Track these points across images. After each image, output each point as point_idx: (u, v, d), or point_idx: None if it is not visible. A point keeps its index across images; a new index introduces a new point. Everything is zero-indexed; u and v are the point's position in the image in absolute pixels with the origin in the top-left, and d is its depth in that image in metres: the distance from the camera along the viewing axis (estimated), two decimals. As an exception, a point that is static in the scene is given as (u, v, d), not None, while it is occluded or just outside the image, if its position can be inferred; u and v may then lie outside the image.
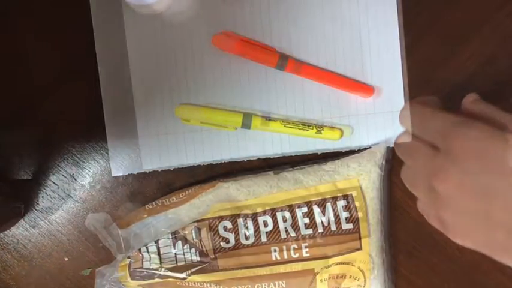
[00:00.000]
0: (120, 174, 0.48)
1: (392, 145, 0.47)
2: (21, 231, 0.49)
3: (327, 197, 0.46)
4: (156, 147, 0.48)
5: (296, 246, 0.46)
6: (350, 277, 0.46)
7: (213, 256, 0.46)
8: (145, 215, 0.47)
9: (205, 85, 0.47)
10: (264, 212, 0.47)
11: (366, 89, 0.47)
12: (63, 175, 0.49)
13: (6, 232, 0.49)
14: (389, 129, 0.48)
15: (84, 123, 0.48)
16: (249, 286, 0.46)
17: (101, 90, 0.47)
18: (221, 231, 0.46)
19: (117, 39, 0.47)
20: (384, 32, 0.47)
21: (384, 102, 0.48)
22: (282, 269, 0.46)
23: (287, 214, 0.47)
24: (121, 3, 0.47)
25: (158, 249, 0.46)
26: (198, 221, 0.46)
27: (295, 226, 0.46)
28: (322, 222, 0.46)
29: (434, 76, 0.48)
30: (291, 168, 0.47)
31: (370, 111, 0.48)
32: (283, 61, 0.46)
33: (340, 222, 0.46)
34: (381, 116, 0.48)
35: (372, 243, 0.46)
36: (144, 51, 0.47)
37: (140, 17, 0.47)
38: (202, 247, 0.46)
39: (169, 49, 0.47)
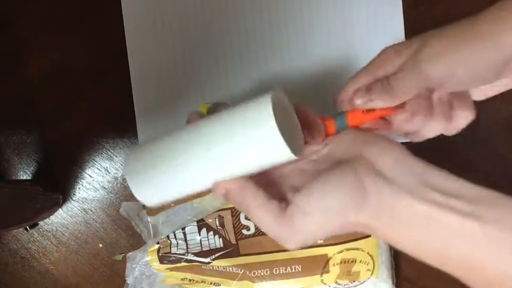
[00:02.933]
0: None
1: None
2: (59, 219, 0.53)
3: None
4: None
5: (311, 234, 0.49)
6: (360, 262, 0.49)
7: (234, 242, 0.49)
8: (173, 204, 0.51)
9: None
10: (282, 202, 0.50)
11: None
12: (97, 168, 0.53)
13: (45, 220, 0.53)
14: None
15: (118, 120, 0.51)
16: (268, 270, 0.49)
17: (132, 88, 0.51)
18: (242, 220, 0.50)
19: (148, 39, 0.51)
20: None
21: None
22: (298, 254, 0.49)
23: (302, 204, 0.50)
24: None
25: (185, 235, 0.49)
26: (221, 210, 0.50)
27: (310, 215, 0.50)
28: (334, 212, 0.49)
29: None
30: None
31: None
32: None
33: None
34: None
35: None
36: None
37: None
38: (225, 234, 0.50)
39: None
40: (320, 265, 0.49)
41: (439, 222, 0.29)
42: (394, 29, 0.50)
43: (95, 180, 0.53)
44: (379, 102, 0.34)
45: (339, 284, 0.50)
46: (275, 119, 0.30)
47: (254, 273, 0.49)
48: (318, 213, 0.31)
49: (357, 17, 0.50)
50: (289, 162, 0.34)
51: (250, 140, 0.31)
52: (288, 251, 0.49)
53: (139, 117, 0.51)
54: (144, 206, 0.50)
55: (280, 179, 0.36)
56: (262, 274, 0.49)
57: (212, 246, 0.49)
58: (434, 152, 0.52)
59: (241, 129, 0.32)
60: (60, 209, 0.53)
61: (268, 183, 0.35)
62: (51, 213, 0.52)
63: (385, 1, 0.50)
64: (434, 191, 0.30)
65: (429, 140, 0.51)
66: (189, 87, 0.51)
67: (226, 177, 0.33)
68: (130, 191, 0.52)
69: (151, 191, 0.34)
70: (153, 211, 0.50)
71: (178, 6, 0.50)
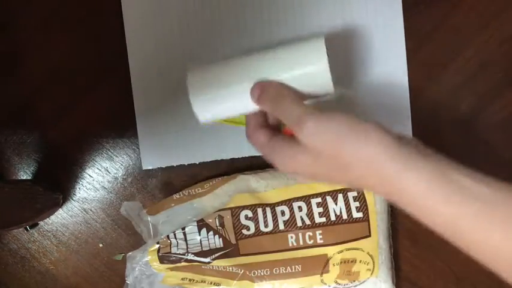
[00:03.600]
0: (150, 168, 0.52)
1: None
2: (59, 219, 0.53)
3: (338, 188, 0.50)
4: (180, 144, 0.51)
5: (311, 234, 0.49)
6: (360, 261, 0.49)
7: (234, 242, 0.49)
8: (173, 204, 0.51)
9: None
10: (282, 203, 0.50)
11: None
12: (97, 168, 0.53)
13: (46, 220, 0.53)
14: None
15: (118, 120, 0.52)
16: (268, 270, 0.49)
17: (132, 88, 0.51)
18: (242, 220, 0.50)
19: (148, 38, 0.51)
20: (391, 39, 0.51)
21: (388, 103, 0.51)
22: (298, 254, 0.49)
23: (303, 204, 0.50)
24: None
25: (185, 235, 0.50)
26: (221, 210, 0.50)
27: (310, 215, 0.50)
28: (334, 212, 0.50)
29: (436, 77, 0.51)
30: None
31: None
32: None
33: (351, 212, 0.50)
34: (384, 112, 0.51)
35: (379, 230, 0.50)
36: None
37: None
38: (225, 234, 0.50)
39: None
40: (320, 265, 0.49)
41: (459, 183, 0.30)
42: (394, 28, 0.50)
43: (95, 180, 0.53)
44: None
45: (339, 284, 0.50)
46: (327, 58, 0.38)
47: (254, 273, 0.49)
48: (340, 115, 0.34)
49: (357, 15, 0.50)
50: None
51: (304, 72, 0.39)
52: (288, 251, 0.49)
53: (139, 117, 0.51)
54: (144, 206, 0.51)
55: None
56: (262, 274, 0.49)
57: (212, 246, 0.50)
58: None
59: (298, 63, 0.39)
60: (60, 209, 0.53)
61: None
62: (52, 213, 0.53)
63: (385, 1, 0.50)
64: (449, 161, 0.33)
65: (428, 140, 0.51)
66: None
67: None
68: (130, 191, 0.52)
69: (210, 108, 0.41)
70: (154, 210, 0.51)
71: (179, 6, 0.50)
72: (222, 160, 0.52)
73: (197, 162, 0.52)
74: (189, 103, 0.40)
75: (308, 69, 0.39)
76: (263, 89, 0.39)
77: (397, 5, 0.50)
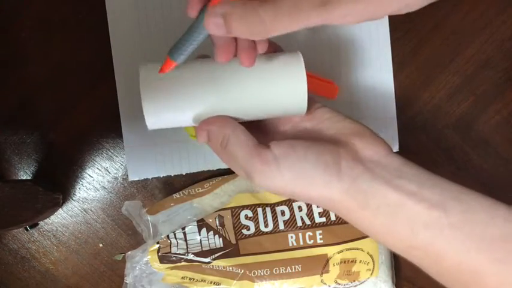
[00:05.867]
0: (137, 179, 0.52)
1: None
2: (59, 219, 0.53)
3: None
4: (168, 154, 0.52)
5: (311, 234, 0.50)
6: (360, 261, 0.50)
7: (234, 242, 0.49)
8: (172, 204, 0.51)
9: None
10: (282, 202, 0.50)
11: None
12: (97, 168, 0.53)
13: (46, 220, 0.53)
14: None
15: (118, 120, 0.51)
16: (268, 270, 0.49)
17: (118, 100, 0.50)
18: (242, 220, 0.50)
19: (132, 41, 0.50)
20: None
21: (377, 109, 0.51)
22: (298, 254, 0.49)
23: (303, 204, 0.50)
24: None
25: (185, 235, 0.50)
26: (221, 209, 0.50)
27: (310, 215, 0.50)
28: (334, 212, 0.50)
29: (436, 77, 0.52)
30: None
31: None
32: None
33: (351, 212, 0.50)
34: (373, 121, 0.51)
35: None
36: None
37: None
38: (225, 234, 0.50)
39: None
40: (320, 265, 0.50)
41: (409, 210, 0.31)
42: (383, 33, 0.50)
43: (95, 180, 0.53)
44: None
45: (339, 284, 0.50)
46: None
47: (254, 273, 0.49)
48: (287, 169, 0.33)
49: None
50: (286, 118, 0.38)
51: (278, 90, 0.35)
52: (288, 251, 0.49)
53: (125, 128, 0.51)
54: (144, 206, 0.51)
55: (266, 131, 0.39)
56: (262, 274, 0.49)
57: (212, 246, 0.50)
58: (434, 152, 0.52)
59: (274, 79, 0.35)
60: (60, 209, 0.53)
61: (256, 130, 0.37)
62: (52, 213, 0.53)
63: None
64: (408, 182, 0.32)
65: (429, 140, 0.51)
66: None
67: (237, 115, 0.36)
68: (130, 191, 0.52)
69: (161, 116, 0.36)
70: (153, 210, 0.51)
71: (163, 13, 0.50)
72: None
73: (183, 173, 0.52)
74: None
75: (284, 83, 0.35)
76: (207, 129, 0.36)
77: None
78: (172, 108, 0.36)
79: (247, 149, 0.34)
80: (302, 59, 0.36)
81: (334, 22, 0.28)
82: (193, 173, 0.52)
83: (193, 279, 0.50)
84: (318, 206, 0.50)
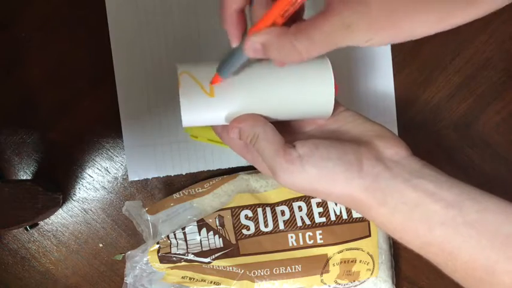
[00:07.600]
0: (137, 179, 0.52)
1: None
2: (59, 219, 0.53)
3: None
4: (168, 155, 0.52)
5: (311, 234, 0.50)
6: (360, 261, 0.50)
7: (234, 242, 0.49)
8: (172, 204, 0.51)
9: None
10: (282, 202, 0.50)
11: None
12: (97, 168, 0.53)
13: (46, 220, 0.53)
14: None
15: (118, 120, 0.51)
16: (268, 270, 0.49)
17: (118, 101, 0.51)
18: (242, 220, 0.50)
19: (132, 42, 0.51)
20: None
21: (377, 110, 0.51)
22: (298, 254, 0.49)
23: (303, 204, 0.50)
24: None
25: (185, 235, 0.49)
26: (221, 209, 0.50)
27: (310, 215, 0.50)
28: (334, 212, 0.50)
29: (436, 77, 0.52)
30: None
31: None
32: None
33: (351, 212, 0.50)
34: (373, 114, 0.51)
35: (379, 230, 0.50)
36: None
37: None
38: (225, 234, 0.50)
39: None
40: (320, 265, 0.50)
41: (426, 208, 0.32)
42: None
43: (95, 180, 0.53)
44: None
45: (339, 284, 0.50)
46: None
47: (254, 273, 0.49)
48: (311, 167, 0.34)
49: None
50: (311, 120, 0.40)
51: (308, 93, 0.37)
52: (288, 251, 0.49)
53: (125, 128, 0.51)
54: (144, 205, 0.51)
55: (292, 131, 0.41)
56: (262, 274, 0.49)
57: (212, 246, 0.49)
58: (435, 153, 0.52)
59: (304, 82, 0.37)
60: (60, 209, 0.53)
61: (282, 130, 0.38)
62: (52, 213, 0.53)
63: None
64: (427, 182, 0.33)
65: (429, 140, 0.51)
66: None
67: (267, 115, 0.38)
68: (131, 191, 0.52)
69: (197, 114, 0.37)
70: (153, 210, 0.51)
71: (165, 16, 0.50)
72: (222, 160, 0.52)
73: (183, 173, 0.52)
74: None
75: (313, 86, 0.37)
76: (239, 127, 0.37)
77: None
78: (208, 108, 0.37)
79: (274, 146, 0.36)
80: (330, 65, 0.38)
81: (360, 45, 0.30)
82: (193, 173, 0.52)
83: (194, 279, 0.50)
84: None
